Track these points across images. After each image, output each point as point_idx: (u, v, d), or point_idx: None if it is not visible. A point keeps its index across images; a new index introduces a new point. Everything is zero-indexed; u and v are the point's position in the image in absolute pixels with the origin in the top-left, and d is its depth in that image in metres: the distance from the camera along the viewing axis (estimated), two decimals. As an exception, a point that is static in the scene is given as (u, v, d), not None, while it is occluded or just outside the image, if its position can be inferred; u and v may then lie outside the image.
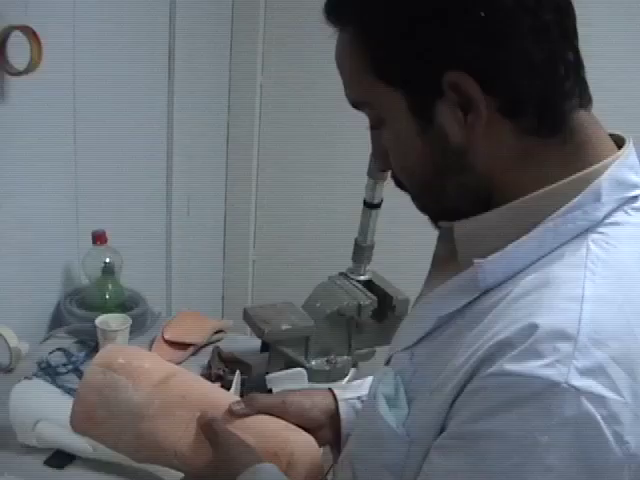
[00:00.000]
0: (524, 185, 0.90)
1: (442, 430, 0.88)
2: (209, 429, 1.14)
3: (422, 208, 1.01)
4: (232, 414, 1.18)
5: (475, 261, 0.91)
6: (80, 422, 1.20)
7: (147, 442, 1.17)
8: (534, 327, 0.81)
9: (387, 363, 1.04)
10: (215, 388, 1.23)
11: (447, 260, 1.00)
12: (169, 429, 1.16)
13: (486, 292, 0.91)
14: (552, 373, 0.79)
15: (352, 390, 1.26)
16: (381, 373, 1.02)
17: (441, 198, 0.96)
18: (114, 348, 1.27)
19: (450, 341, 0.92)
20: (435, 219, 1.02)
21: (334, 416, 1.22)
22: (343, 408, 1.23)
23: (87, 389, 1.19)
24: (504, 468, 0.80)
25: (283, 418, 1.19)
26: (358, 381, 1.31)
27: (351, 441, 1.10)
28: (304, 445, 1.18)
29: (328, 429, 1.22)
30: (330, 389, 1.26)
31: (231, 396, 1.25)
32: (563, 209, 0.89)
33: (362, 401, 1.23)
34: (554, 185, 0.89)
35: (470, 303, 0.92)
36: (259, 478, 1.05)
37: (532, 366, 0.80)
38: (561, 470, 0.79)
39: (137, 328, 2.03)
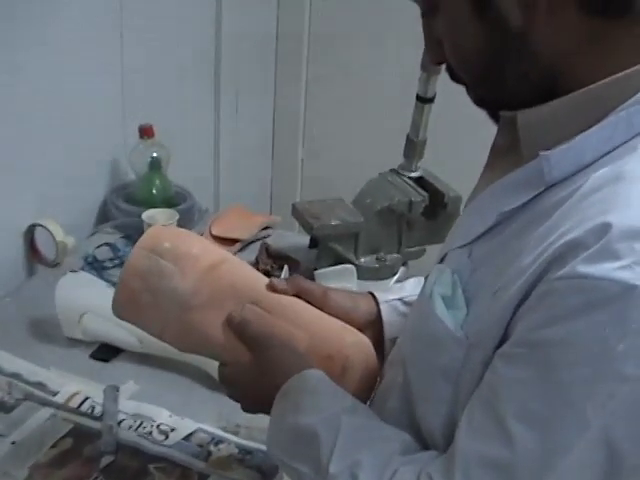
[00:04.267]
0: (592, 72, 0.83)
1: (504, 335, 0.82)
2: (244, 333, 1.07)
3: (479, 100, 0.94)
4: (271, 288, 1.12)
5: (541, 153, 0.84)
6: (123, 307, 1.12)
7: (193, 333, 1.09)
8: (607, 226, 0.75)
9: (441, 261, 0.98)
10: (265, 278, 1.15)
11: (507, 152, 0.93)
12: (217, 320, 1.08)
13: (552, 187, 0.85)
14: (629, 276, 0.73)
15: (393, 292, 1.21)
16: (437, 271, 0.96)
17: (501, 87, 0.89)
18: (160, 230, 1.16)
19: (513, 239, 0.86)
20: (494, 110, 0.95)
21: (375, 319, 1.17)
22: (385, 310, 1.18)
23: (130, 273, 1.09)
24: (575, 378, 0.76)
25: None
26: (399, 284, 1.26)
27: (403, 343, 1.04)
28: (361, 348, 1.11)
29: (369, 332, 1.16)
30: (370, 292, 1.21)
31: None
32: (636, 97, 0.81)
33: (405, 302, 1.18)
34: (626, 72, 0.82)
35: (534, 198, 0.86)
36: (307, 386, 0.99)
37: (607, 268, 0.74)
38: (638, 380, 0.74)
39: (184, 224, 1.98)
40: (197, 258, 1.10)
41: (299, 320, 1.10)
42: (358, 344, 1.12)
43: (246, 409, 1.11)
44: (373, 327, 1.17)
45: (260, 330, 1.07)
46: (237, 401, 1.11)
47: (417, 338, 0.98)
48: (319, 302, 1.14)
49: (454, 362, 0.88)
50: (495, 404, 0.81)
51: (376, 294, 1.20)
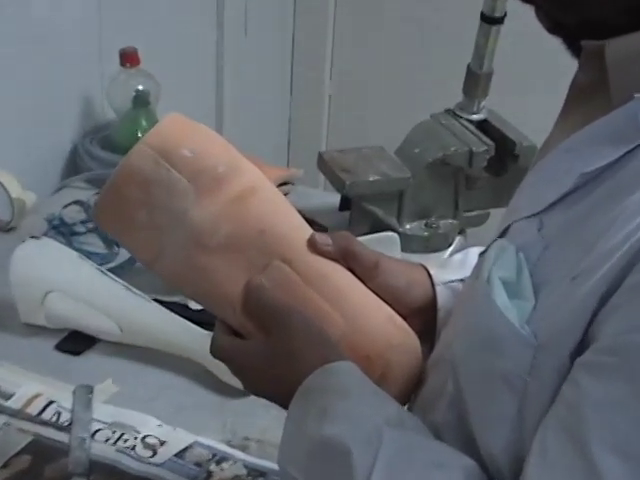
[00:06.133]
0: None
1: (586, 335, 0.80)
2: (258, 304, 1.02)
3: (553, 25, 0.91)
4: (312, 245, 1.06)
5: (636, 95, 0.82)
6: (107, 217, 1.04)
7: (196, 276, 1.03)
8: None
9: (502, 235, 0.95)
10: (307, 227, 1.09)
11: (591, 93, 0.91)
12: (230, 270, 1.02)
13: None
14: None
15: (454, 269, 1.18)
16: (497, 248, 0.93)
17: (582, 8, 0.86)
18: (178, 125, 1.05)
19: (598, 209, 0.84)
20: (573, 39, 0.91)
21: (429, 304, 1.14)
22: (442, 295, 1.14)
23: (127, 177, 1.00)
24: None
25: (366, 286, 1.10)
26: (458, 255, 1.23)
27: (451, 341, 1.01)
28: (407, 352, 1.08)
29: (418, 319, 1.13)
30: (424, 266, 1.17)
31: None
32: None
33: None
34: None
35: (627, 155, 0.83)
36: (336, 385, 0.96)
37: None
38: None
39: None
40: (223, 180, 1.03)
41: (340, 299, 1.06)
42: (404, 346, 1.08)
43: (249, 391, 1.09)
44: (425, 313, 1.14)
45: (281, 301, 1.02)
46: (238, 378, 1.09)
47: (470, 335, 0.95)
48: (366, 274, 1.10)
49: (518, 368, 0.86)
50: (577, 430, 0.78)
51: (431, 271, 1.17)
